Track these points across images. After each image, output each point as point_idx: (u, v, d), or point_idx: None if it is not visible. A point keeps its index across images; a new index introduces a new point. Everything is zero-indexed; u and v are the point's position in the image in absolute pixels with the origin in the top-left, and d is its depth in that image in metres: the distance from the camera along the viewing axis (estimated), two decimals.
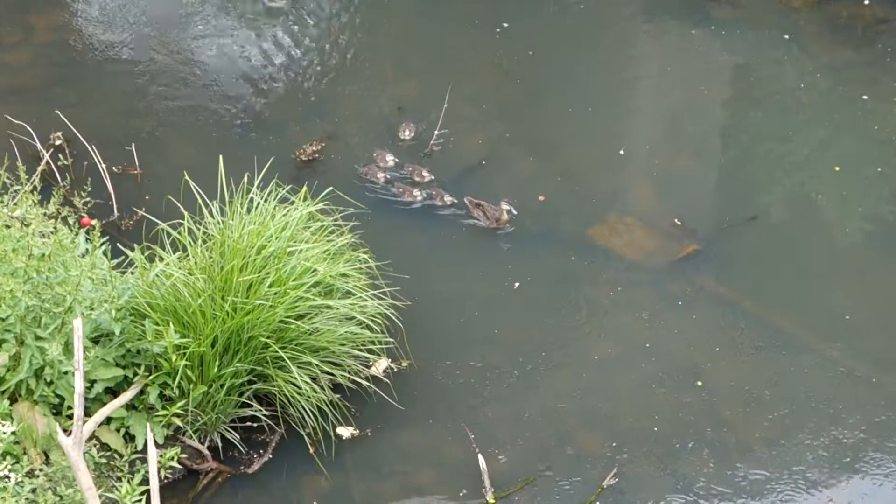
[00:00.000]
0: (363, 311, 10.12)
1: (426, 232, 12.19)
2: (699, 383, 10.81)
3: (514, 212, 11.98)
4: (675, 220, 12.35)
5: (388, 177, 12.53)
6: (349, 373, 10.13)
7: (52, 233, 9.72)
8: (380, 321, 10.24)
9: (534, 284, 11.70)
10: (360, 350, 10.16)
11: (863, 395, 10.76)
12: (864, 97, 14.47)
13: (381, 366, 10.59)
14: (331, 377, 10.04)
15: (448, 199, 12.65)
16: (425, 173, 12.48)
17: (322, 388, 9.89)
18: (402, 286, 10.76)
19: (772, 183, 12.93)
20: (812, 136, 13.92)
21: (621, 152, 13.49)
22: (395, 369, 10.68)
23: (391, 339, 10.44)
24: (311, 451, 10.14)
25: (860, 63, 14.89)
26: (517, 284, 11.71)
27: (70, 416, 8.85)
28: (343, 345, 10.05)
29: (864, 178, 13.28)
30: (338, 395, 10.10)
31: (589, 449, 10.25)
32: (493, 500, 9.78)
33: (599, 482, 9.90)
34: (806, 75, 14.75)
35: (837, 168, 13.39)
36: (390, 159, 12.59)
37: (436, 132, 13.47)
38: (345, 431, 10.31)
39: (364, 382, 10.21)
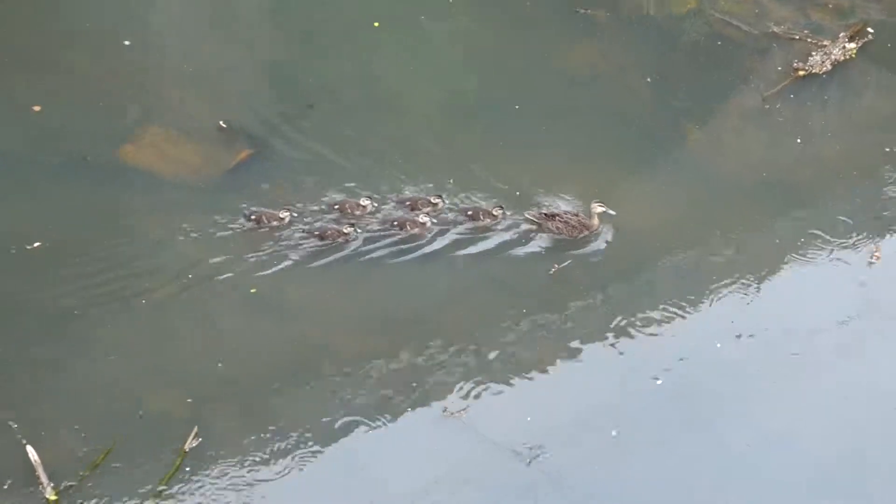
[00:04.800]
0: None
1: None
2: (268, 309, 10.34)
3: (612, 212, 11.01)
4: (221, 124, 11.71)
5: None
6: None
7: None
8: None
9: (59, 226, 10.73)
10: None
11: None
12: None
13: None
14: None
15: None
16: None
17: None
18: None
19: (328, 64, 12.65)
20: (351, 2, 13.57)
21: (126, 43, 12.57)
22: None
23: None
24: None
25: None
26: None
27: None
28: None
29: (409, 35, 13.18)
30: None
31: (164, 409, 9.56)
32: (54, 496, 8.90)
33: (181, 446, 9.23)
34: None
35: (377, 24, 13.15)
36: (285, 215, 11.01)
37: None
38: None
39: None
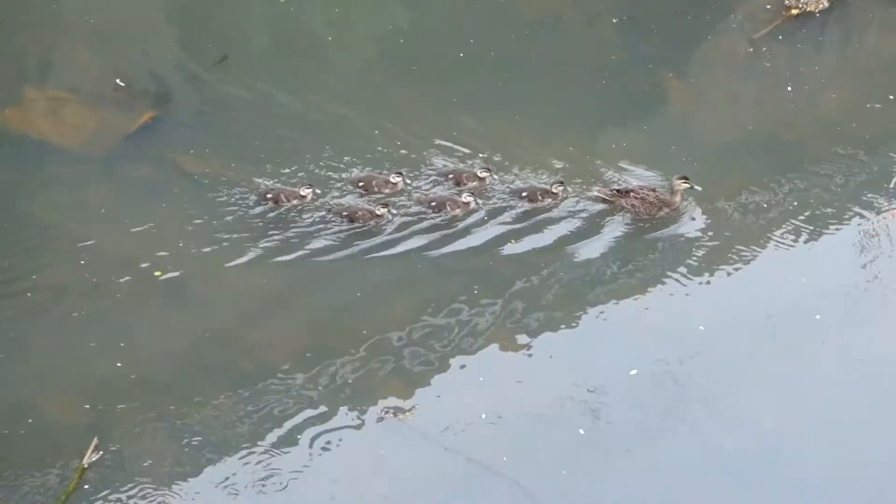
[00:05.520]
0: None
1: None
2: (178, 302, 9.83)
3: (697, 188, 10.72)
4: (118, 82, 11.40)
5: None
6: None
7: None
8: None
9: None
10: None
11: None
12: None
13: None
14: None
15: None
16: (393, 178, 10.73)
17: None
18: None
19: (243, 8, 12.60)
20: None
21: None
22: None
23: None
24: None
25: None
26: None
27: None
28: None
29: None
30: None
31: (58, 418, 9.13)
32: None
33: (78, 461, 8.77)
34: None
35: None
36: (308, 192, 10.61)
37: None
38: None
39: None
